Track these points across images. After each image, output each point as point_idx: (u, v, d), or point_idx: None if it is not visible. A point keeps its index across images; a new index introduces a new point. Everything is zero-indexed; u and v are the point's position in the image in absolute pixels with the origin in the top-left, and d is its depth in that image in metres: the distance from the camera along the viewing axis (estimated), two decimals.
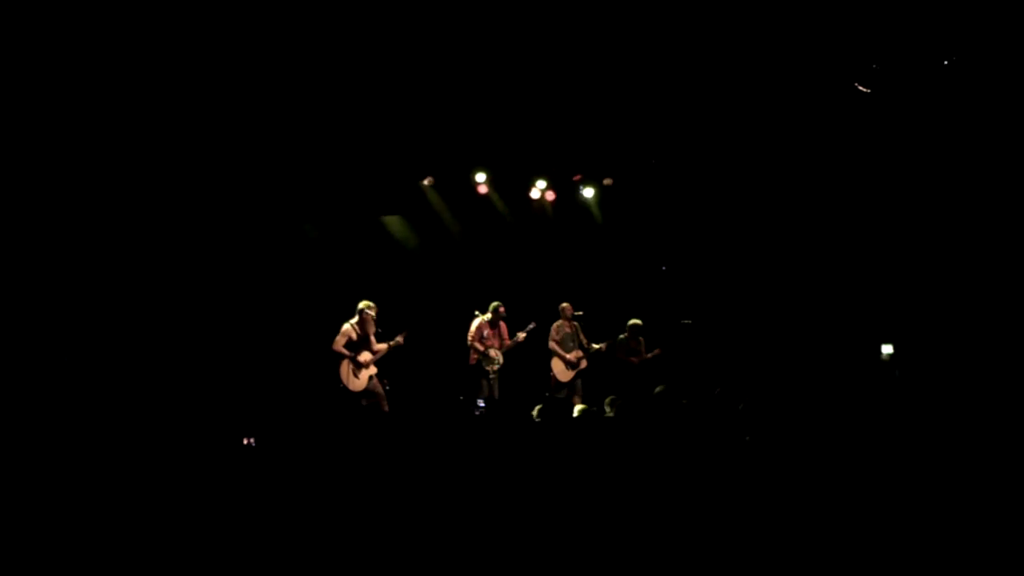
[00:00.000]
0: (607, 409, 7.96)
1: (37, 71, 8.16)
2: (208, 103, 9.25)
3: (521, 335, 10.83)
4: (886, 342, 11.33)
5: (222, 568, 4.03)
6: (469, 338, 10.72)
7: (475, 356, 10.67)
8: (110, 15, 7.97)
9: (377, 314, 9.98)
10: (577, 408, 7.90)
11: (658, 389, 8.91)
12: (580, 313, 11.13)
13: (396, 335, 10.08)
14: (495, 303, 10.80)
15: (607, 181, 12.32)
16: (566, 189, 12.37)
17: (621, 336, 11.35)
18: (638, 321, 11.37)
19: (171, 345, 9.67)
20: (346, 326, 9.87)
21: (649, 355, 11.33)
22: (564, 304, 11.11)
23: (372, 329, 9.96)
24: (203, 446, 5.72)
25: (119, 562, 3.96)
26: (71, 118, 8.72)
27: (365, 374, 9.92)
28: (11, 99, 8.25)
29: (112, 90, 8.72)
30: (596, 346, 11.06)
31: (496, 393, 10.59)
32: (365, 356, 9.93)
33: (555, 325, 11.04)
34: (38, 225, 8.91)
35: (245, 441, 6.24)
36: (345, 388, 9.81)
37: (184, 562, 4.01)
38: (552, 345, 10.97)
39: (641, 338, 11.42)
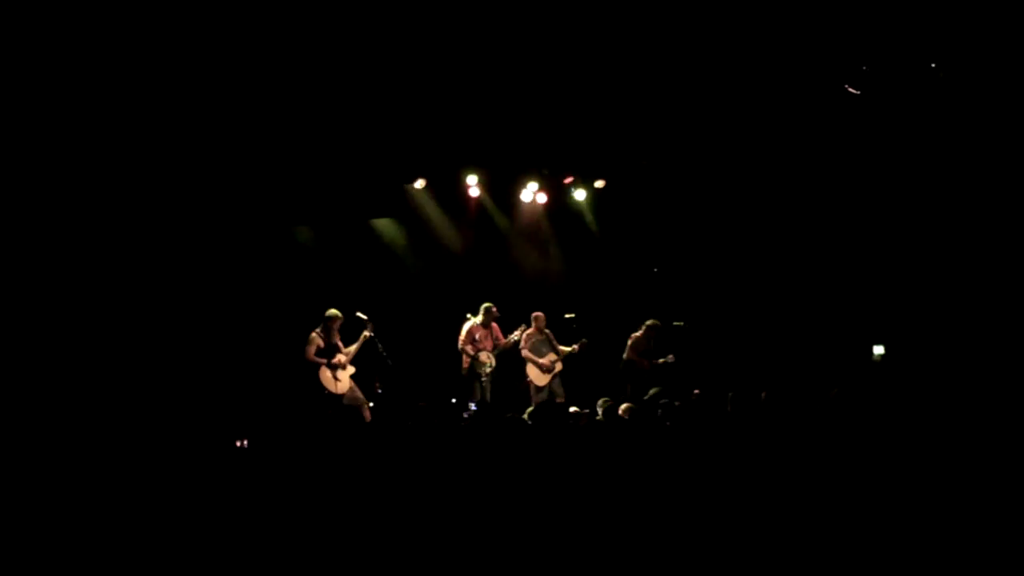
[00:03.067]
0: (599, 411, 7.97)
1: (29, 71, 8.12)
2: (198, 106, 9.21)
3: (512, 338, 10.82)
4: (877, 343, 11.38)
5: (216, 569, 4.01)
6: (460, 343, 10.70)
7: (467, 360, 10.66)
8: (100, 17, 7.94)
9: (341, 324, 10.01)
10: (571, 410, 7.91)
11: (652, 391, 8.93)
12: (573, 315, 11.15)
13: (362, 332, 10.06)
14: (486, 304, 10.80)
15: (599, 183, 12.31)
16: (558, 191, 12.36)
17: (636, 334, 11.28)
18: (656, 322, 11.27)
19: (163, 348, 9.62)
20: (312, 334, 9.90)
21: (661, 360, 11.24)
22: (537, 313, 11.09)
23: (337, 336, 9.99)
24: (196, 448, 5.69)
25: (113, 562, 3.94)
26: (62, 120, 8.67)
27: (345, 375, 9.95)
28: (5, 98, 8.20)
29: (104, 93, 8.67)
30: (567, 349, 11.05)
31: (488, 396, 10.58)
32: (339, 358, 9.95)
33: (526, 333, 10.97)
34: (29, 226, 8.84)
35: (238, 443, 6.22)
36: (331, 394, 9.81)
37: (178, 562, 3.99)
38: (525, 353, 10.94)
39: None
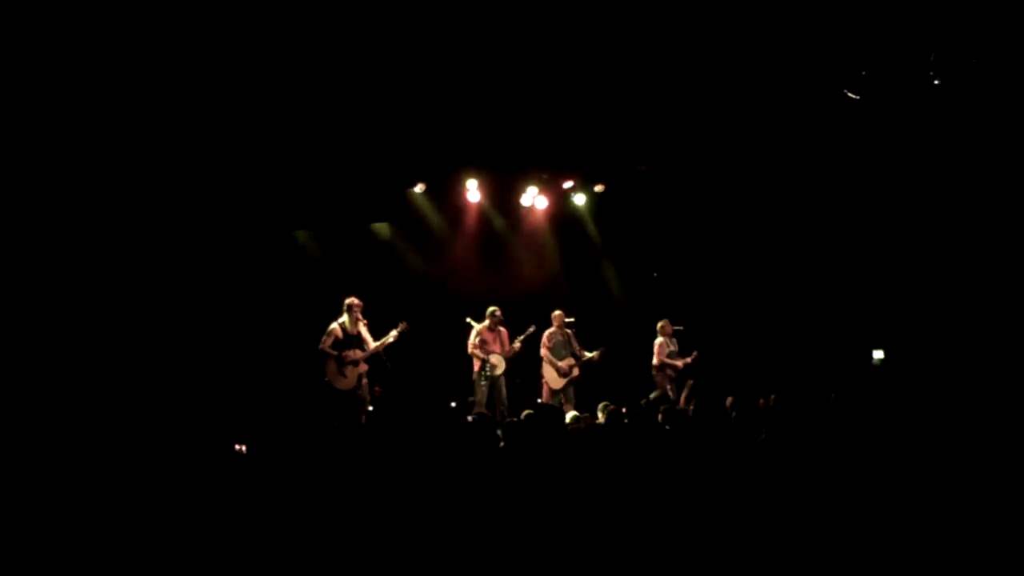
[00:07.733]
0: (600, 415, 7.96)
1: (30, 72, 8.12)
2: (200, 110, 9.22)
3: (516, 346, 10.80)
4: (877, 347, 11.39)
5: (215, 572, 4.01)
6: (469, 347, 10.69)
7: (478, 364, 10.64)
8: (99, 19, 7.95)
9: (363, 309, 9.90)
10: (569, 415, 7.90)
11: (653, 395, 8.94)
12: (572, 320, 11.13)
13: (394, 329, 9.94)
14: (491, 308, 10.78)
15: (599, 187, 12.32)
16: (558, 195, 12.36)
17: (659, 339, 11.26)
18: (667, 320, 11.27)
19: (163, 351, 9.61)
20: (332, 325, 9.78)
21: (680, 362, 11.19)
22: (556, 312, 11.09)
23: (361, 324, 9.86)
24: (195, 453, 5.69)
25: (113, 565, 3.94)
26: (60, 122, 8.67)
27: (354, 372, 9.77)
28: (6, 99, 8.20)
29: (105, 96, 8.68)
30: (588, 354, 11.01)
31: (504, 397, 10.53)
32: (356, 354, 9.80)
33: (547, 333, 11.00)
34: (27, 228, 8.84)
35: (237, 448, 6.21)
36: (329, 385, 9.71)
37: (177, 565, 4.00)
38: (544, 353, 10.94)
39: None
